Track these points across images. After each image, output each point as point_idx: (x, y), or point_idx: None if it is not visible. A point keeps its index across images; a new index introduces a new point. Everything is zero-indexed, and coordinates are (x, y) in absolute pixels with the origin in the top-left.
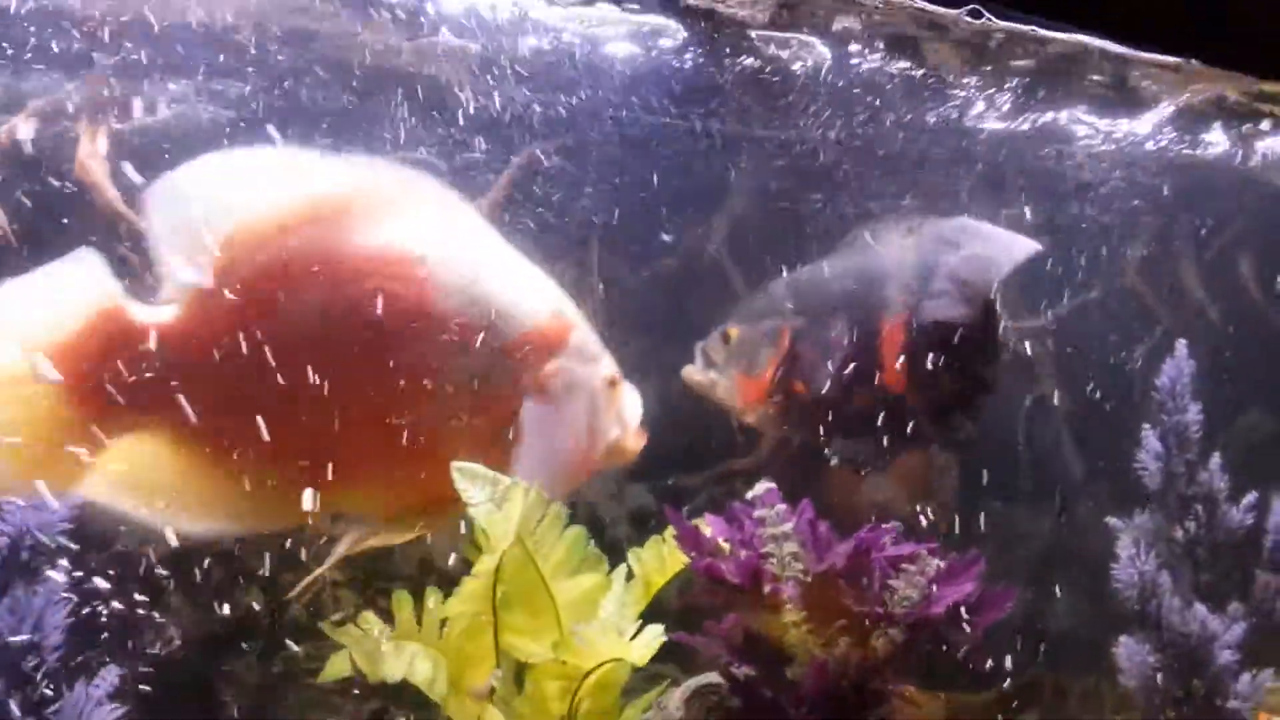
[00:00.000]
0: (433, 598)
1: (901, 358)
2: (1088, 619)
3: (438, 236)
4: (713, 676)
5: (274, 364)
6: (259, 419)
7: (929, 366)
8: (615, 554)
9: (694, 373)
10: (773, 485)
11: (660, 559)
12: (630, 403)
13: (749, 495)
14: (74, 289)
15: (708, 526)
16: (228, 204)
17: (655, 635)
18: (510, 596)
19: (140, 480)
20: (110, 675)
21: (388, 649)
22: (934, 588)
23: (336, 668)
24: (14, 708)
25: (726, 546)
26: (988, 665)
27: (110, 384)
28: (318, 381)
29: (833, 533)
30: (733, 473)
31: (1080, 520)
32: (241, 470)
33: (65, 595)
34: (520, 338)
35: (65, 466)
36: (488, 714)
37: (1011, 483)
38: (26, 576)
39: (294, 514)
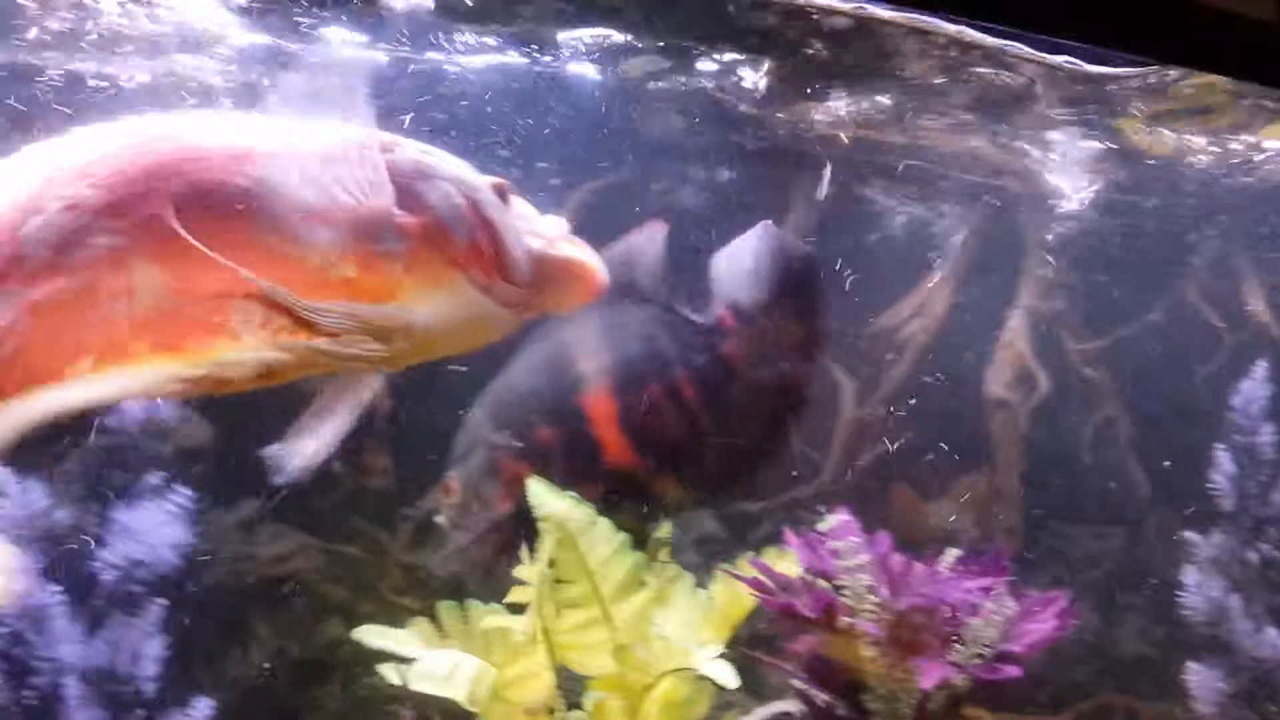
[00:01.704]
0: (477, 610)
1: (617, 429)
2: (1159, 642)
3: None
4: (783, 705)
5: None
6: None
7: (650, 427)
8: None
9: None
10: (848, 516)
11: (736, 596)
12: (539, 216)
13: (823, 526)
14: None
15: (782, 555)
16: None
17: (716, 651)
18: (564, 613)
19: None
20: (203, 705)
21: (430, 658)
22: (1014, 625)
23: (386, 676)
24: None
25: (800, 575)
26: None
27: None
28: None
29: (908, 564)
30: (796, 500)
31: (1149, 541)
32: None
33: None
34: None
35: None
36: None
37: (1079, 505)
38: (126, 609)
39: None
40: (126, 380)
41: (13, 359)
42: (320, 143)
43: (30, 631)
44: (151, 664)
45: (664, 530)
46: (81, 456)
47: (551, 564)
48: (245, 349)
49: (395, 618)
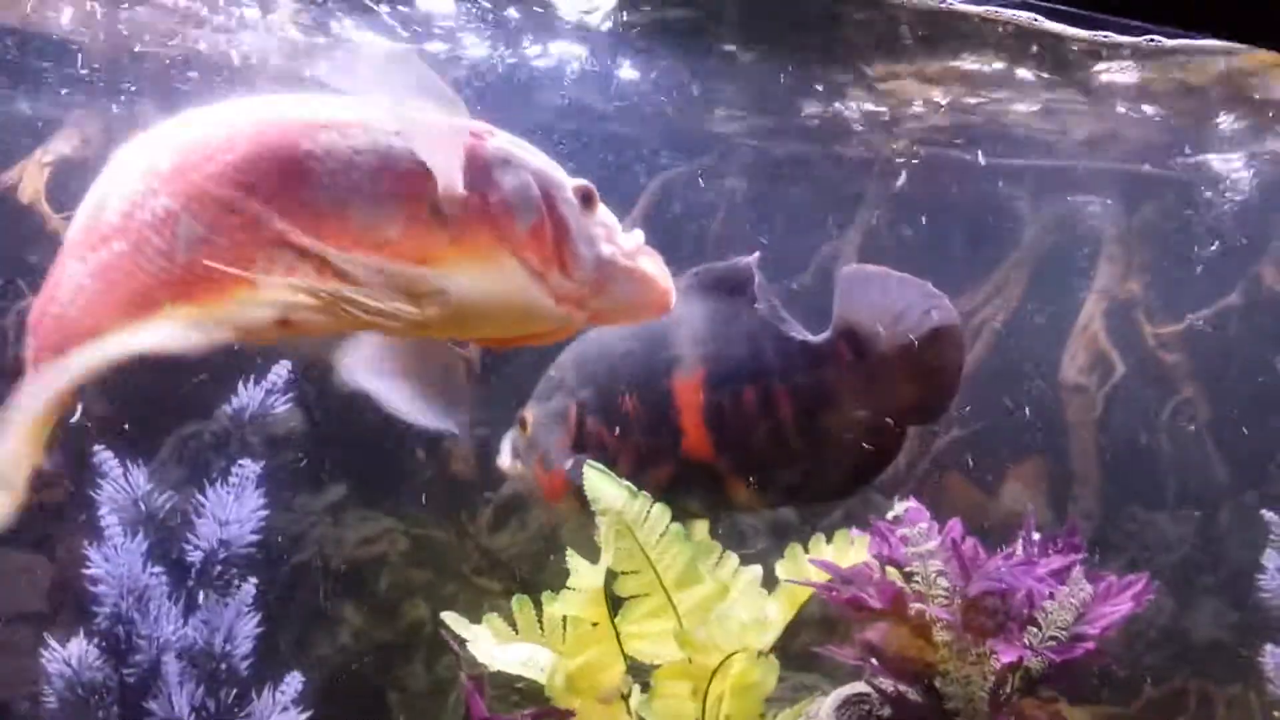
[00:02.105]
0: (552, 603)
1: (701, 420)
2: (1235, 626)
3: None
4: (861, 686)
5: None
6: None
7: (737, 427)
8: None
9: (504, 465)
10: (915, 504)
11: (804, 570)
12: (627, 232)
13: (891, 513)
14: None
15: (850, 543)
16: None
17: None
18: (629, 604)
19: None
20: (294, 681)
21: (504, 652)
22: (1090, 608)
23: (473, 654)
24: (212, 712)
25: (873, 563)
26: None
27: None
28: None
29: (980, 549)
30: (870, 485)
31: (1226, 525)
32: None
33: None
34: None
35: None
36: (617, 717)
37: (1153, 489)
38: (220, 589)
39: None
40: (147, 335)
41: (78, 318)
42: (396, 120)
43: (132, 610)
44: (245, 642)
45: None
46: (181, 442)
47: (614, 554)
48: (264, 297)
49: (476, 598)
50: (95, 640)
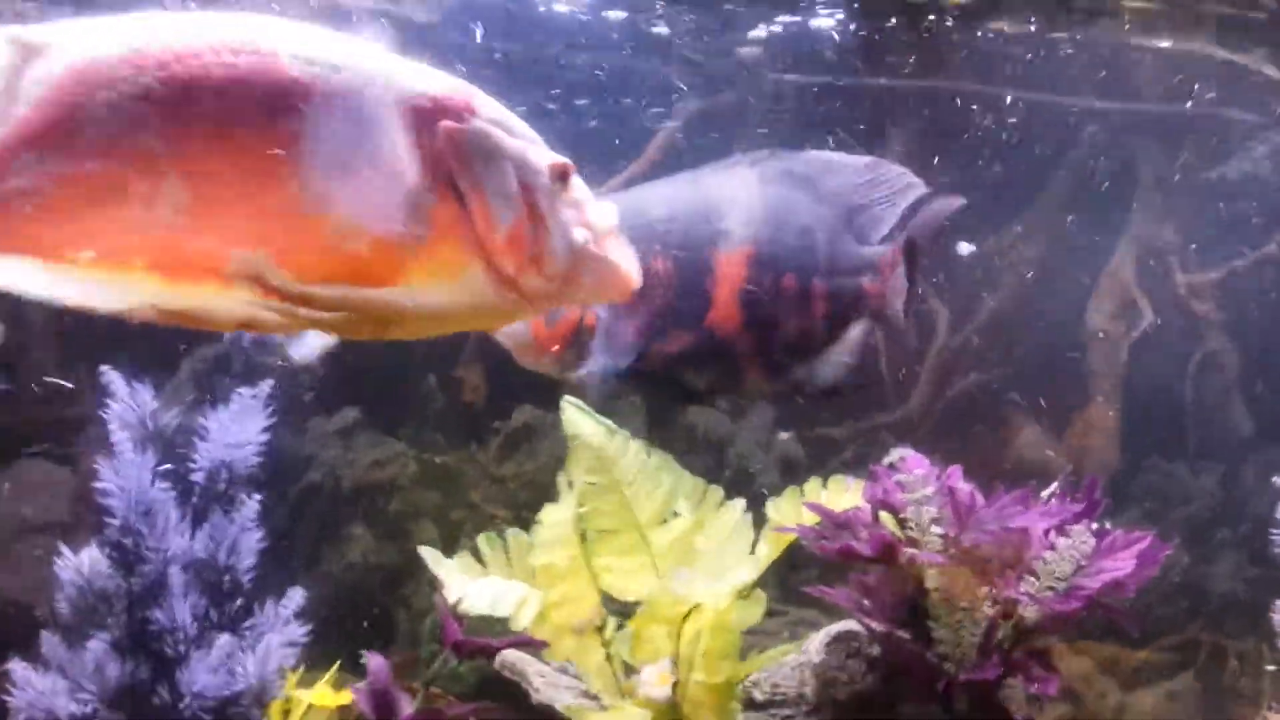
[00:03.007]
0: (518, 538)
1: (735, 295)
2: (1249, 581)
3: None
4: (853, 624)
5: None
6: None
7: (768, 311)
8: (764, 502)
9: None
10: (911, 450)
11: (796, 513)
12: (593, 205)
13: (888, 459)
14: None
15: (845, 488)
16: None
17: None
18: (600, 540)
19: None
20: (296, 596)
21: (477, 582)
22: (1091, 561)
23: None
24: (216, 623)
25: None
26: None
27: None
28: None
29: (977, 496)
30: (881, 426)
31: (1248, 480)
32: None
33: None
34: (408, 100)
35: None
36: (590, 649)
37: (1176, 441)
38: (224, 505)
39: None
40: (110, 291)
41: (28, 221)
42: (387, 95)
43: (140, 523)
44: (249, 556)
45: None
46: (191, 362)
47: (585, 490)
48: (234, 299)
49: (484, 523)
50: (106, 550)
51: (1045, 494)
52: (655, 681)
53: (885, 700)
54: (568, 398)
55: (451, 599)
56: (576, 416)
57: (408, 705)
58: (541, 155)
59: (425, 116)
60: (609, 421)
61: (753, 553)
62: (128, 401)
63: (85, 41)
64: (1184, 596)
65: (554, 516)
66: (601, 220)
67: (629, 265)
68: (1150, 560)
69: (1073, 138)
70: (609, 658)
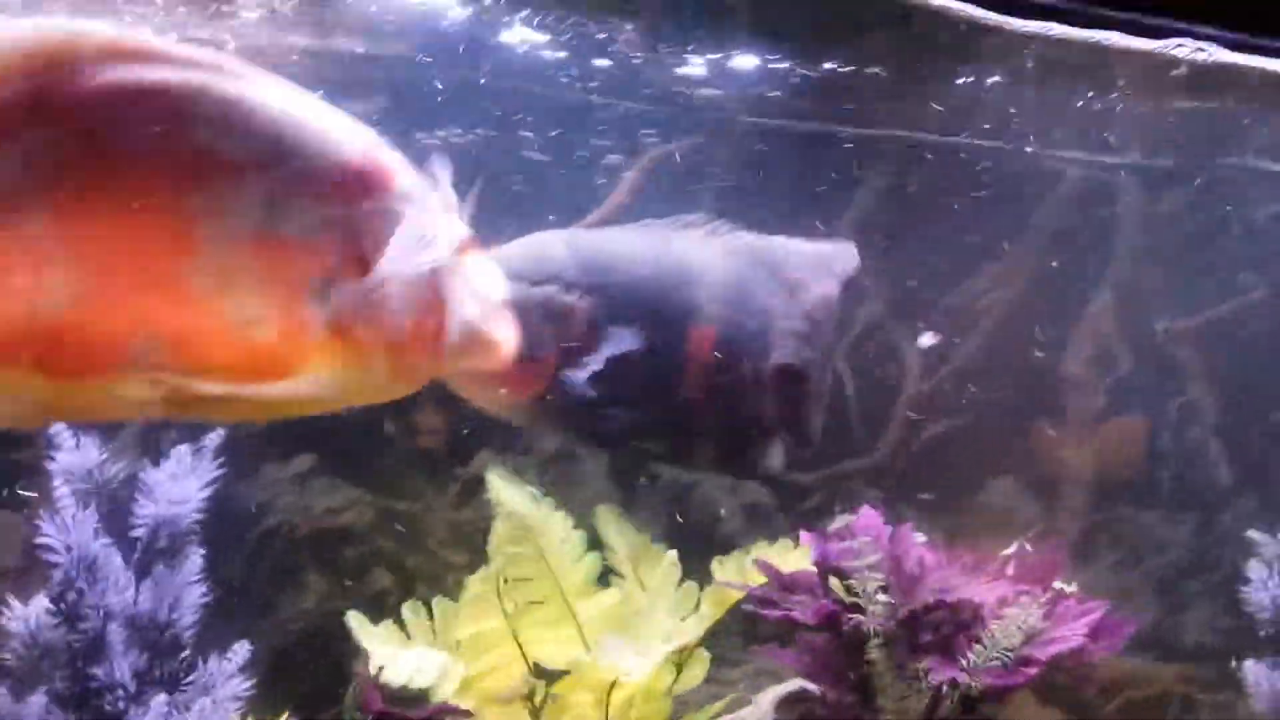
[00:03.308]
0: (440, 606)
1: (700, 371)
2: (1223, 632)
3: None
4: (805, 682)
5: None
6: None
7: (729, 389)
8: (728, 549)
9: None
10: (866, 508)
11: (741, 575)
12: (489, 278)
13: (835, 523)
14: None
15: (793, 548)
16: None
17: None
18: (526, 609)
19: None
20: (242, 650)
21: (400, 652)
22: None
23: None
24: (155, 679)
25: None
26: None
27: None
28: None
29: (926, 562)
30: (850, 473)
31: (1223, 531)
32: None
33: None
34: (320, 172)
35: None
36: (516, 717)
37: (1151, 489)
38: (167, 559)
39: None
40: None
41: None
42: (304, 168)
43: (83, 580)
44: (191, 611)
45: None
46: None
47: (509, 559)
48: (129, 388)
49: (441, 570)
50: (50, 604)
51: (1003, 555)
52: None
53: None
54: (493, 466)
55: (374, 667)
56: (501, 485)
57: None
58: (448, 229)
59: (341, 192)
60: (534, 490)
61: (696, 610)
62: (73, 455)
63: None
64: (1156, 646)
65: (477, 588)
66: (491, 292)
67: (509, 345)
68: (1114, 633)
69: (1051, 185)
70: None
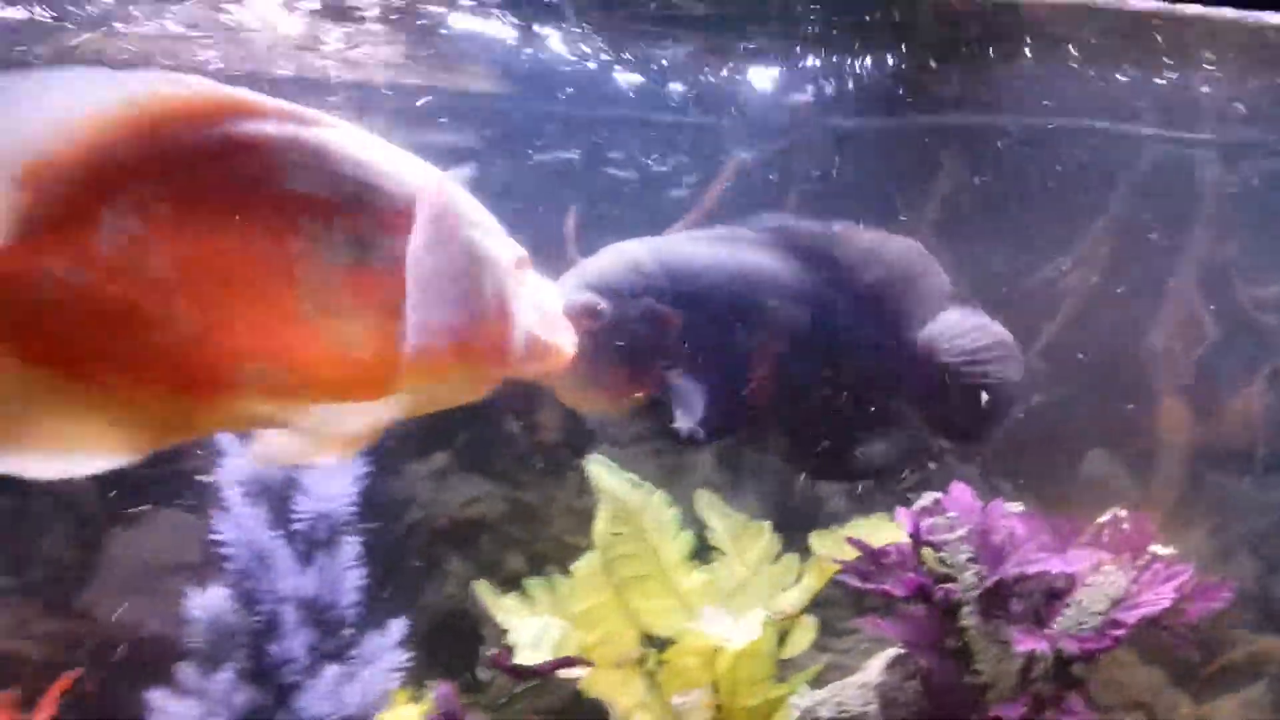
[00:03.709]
0: (559, 581)
1: (767, 373)
2: None
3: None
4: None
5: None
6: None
7: (795, 388)
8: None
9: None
10: (962, 485)
11: (840, 549)
12: (547, 291)
13: (919, 504)
14: None
15: (887, 522)
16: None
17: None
18: (630, 582)
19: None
20: (398, 626)
21: (524, 620)
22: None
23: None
24: (325, 654)
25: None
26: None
27: None
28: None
29: (1016, 532)
30: (944, 450)
31: None
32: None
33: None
34: (396, 209)
35: None
36: (630, 681)
37: (1244, 455)
38: (327, 548)
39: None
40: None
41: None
42: (379, 200)
43: (256, 569)
44: (350, 593)
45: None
46: None
47: (613, 539)
48: (248, 406)
49: (567, 553)
50: (229, 591)
51: (1097, 524)
52: (693, 707)
53: None
54: (593, 455)
55: (503, 633)
56: (602, 473)
57: None
58: (505, 248)
59: (412, 220)
60: (633, 476)
61: (799, 583)
62: (239, 460)
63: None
64: (1255, 606)
65: (586, 567)
66: (549, 303)
67: (568, 349)
68: (1210, 596)
69: (1131, 162)
70: (650, 689)
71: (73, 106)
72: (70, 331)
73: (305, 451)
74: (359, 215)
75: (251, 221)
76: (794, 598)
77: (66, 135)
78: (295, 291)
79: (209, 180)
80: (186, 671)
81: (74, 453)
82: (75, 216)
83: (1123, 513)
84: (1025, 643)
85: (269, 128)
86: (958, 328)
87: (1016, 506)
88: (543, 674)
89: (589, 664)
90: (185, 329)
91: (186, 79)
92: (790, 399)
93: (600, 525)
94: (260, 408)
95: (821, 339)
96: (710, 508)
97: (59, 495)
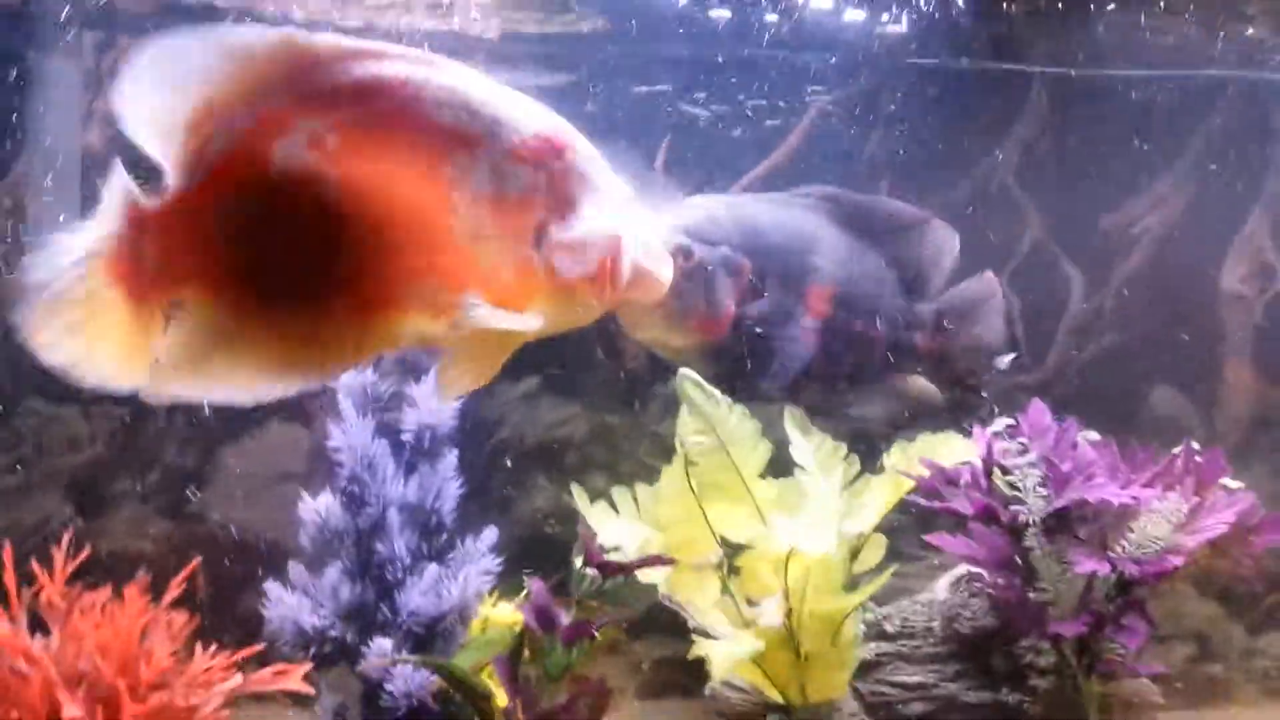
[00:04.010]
0: (642, 490)
1: (821, 324)
2: None
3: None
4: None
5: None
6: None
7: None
8: None
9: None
10: (1040, 406)
11: (912, 465)
12: (649, 226)
13: (993, 427)
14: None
15: (960, 442)
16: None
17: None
18: (709, 490)
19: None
20: (490, 533)
21: (611, 523)
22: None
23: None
24: (426, 554)
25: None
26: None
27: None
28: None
29: (1084, 459)
30: (1018, 385)
31: None
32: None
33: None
34: (524, 141)
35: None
36: (707, 583)
37: None
38: (429, 459)
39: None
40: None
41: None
42: (512, 137)
43: (365, 474)
44: (450, 500)
45: None
46: None
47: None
48: (420, 322)
49: (647, 474)
50: (337, 496)
51: (1173, 452)
52: (772, 612)
53: (1004, 636)
54: (683, 370)
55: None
56: (689, 385)
57: (565, 617)
58: (616, 183)
59: (539, 156)
60: (716, 391)
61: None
62: (352, 376)
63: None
64: None
65: (669, 476)
66: (651, 237)
67: (666, 278)
68: (1274, 528)
69: (1203, 107)
70: (726, 593)
71: (225, 58)
72: (249, 264)
73: (463, 377)
74: (495, 146)
75: (410, 152)
76: (868, 514)
77: (224, 84)
78: (451, 216)
79: (368, 115)
80: (296, 568)
81: (262, 380)
82: (246, 157)
83: (1195, 445)
84: (1086, 564)
85: (408, 68)
86: (965, 300)
87: (1092, 434)
88: (629, 570)
89: (672, 562)
90: (359, 254)
91: (319, 32)
92: (835, 352)
93: (682, 431)
94: (426, 325)
95: (859, 298)
96: (794, 424)
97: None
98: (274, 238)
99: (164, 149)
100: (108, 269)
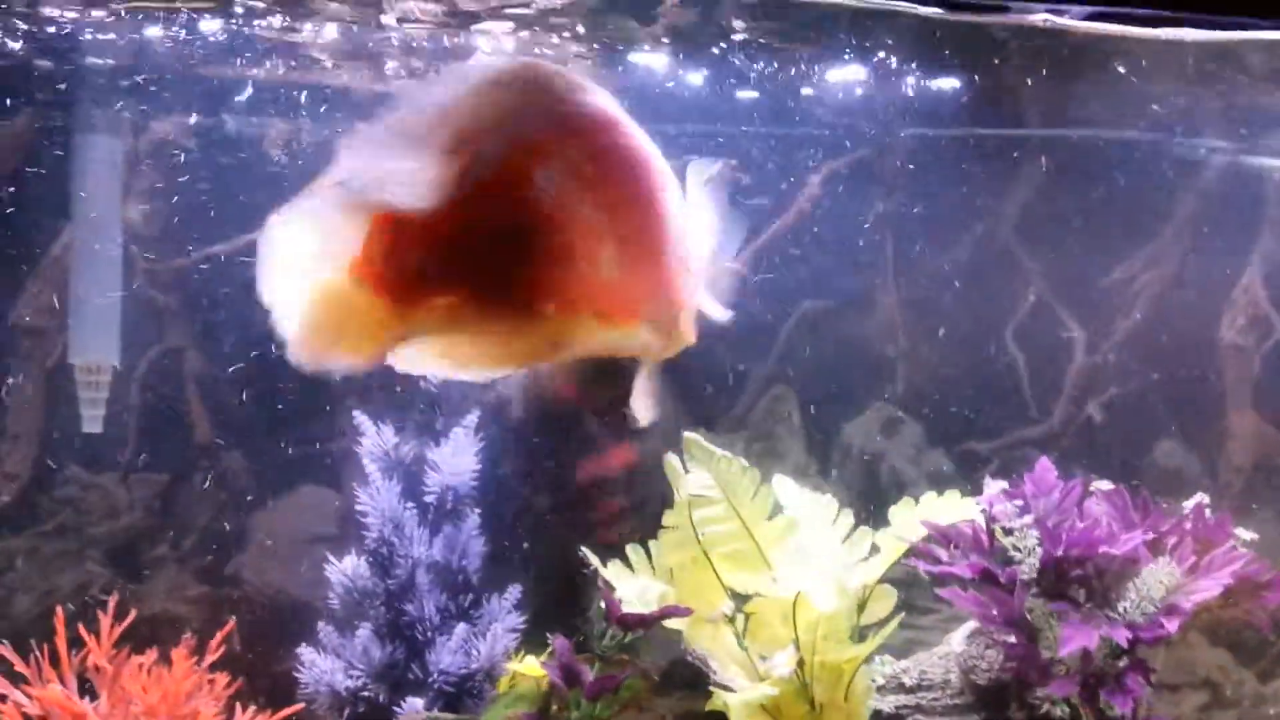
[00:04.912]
0: (653, 545)
1: None
2: None
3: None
4: None
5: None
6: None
7: None
8: None
9: None
10: (1047, 464)
11: (913, 526)
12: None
13: (987, 491)
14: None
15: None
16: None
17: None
18: (713, 540)
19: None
20: (514, 590)
21: (627, 580)
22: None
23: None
24: (454, 613)
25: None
26: None
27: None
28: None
29: (1080, 519)
30: (1024, 441)
31: None
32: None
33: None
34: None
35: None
36: (722, 634)
37: None
38: (453, 519)
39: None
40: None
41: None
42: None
43: (393, 536)
44: (475, 559)
45: None
46: (414, 401)
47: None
48: (643, 334)
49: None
50: (366, 557)
51: (1183, 508)
52: (784, 664)
53: (1019, 687)
54: (688, 434)
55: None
56: (695, 444)
57: (589, 674)
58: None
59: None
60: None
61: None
62: (375, 439)
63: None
64: None
65: (672, 526)
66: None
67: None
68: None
69: (1195, 169)
70: (741, 647)
71: (473, 89)
72: (499, 271)
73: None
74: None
75: (647, 178)
76: (872, 566)
77: (477, 112)
78: (675, 240)
79: (612, 144)
80: (327, 630)
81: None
82: (507, 178)
83: (1206, 500)
84: (1073, 641)
85: (595, 96)
86: None
87: (1104, 484)
88: (649, 623)
89: (688, 612)
90: (614, 266)
91: (536, 61)
92: None
93: (685, 487)
94: (648, 337)
95: None
96: (784, 489)
97: (212, 470)
98: (523, 252)
99: (425, 169)
100: (370, 276)
